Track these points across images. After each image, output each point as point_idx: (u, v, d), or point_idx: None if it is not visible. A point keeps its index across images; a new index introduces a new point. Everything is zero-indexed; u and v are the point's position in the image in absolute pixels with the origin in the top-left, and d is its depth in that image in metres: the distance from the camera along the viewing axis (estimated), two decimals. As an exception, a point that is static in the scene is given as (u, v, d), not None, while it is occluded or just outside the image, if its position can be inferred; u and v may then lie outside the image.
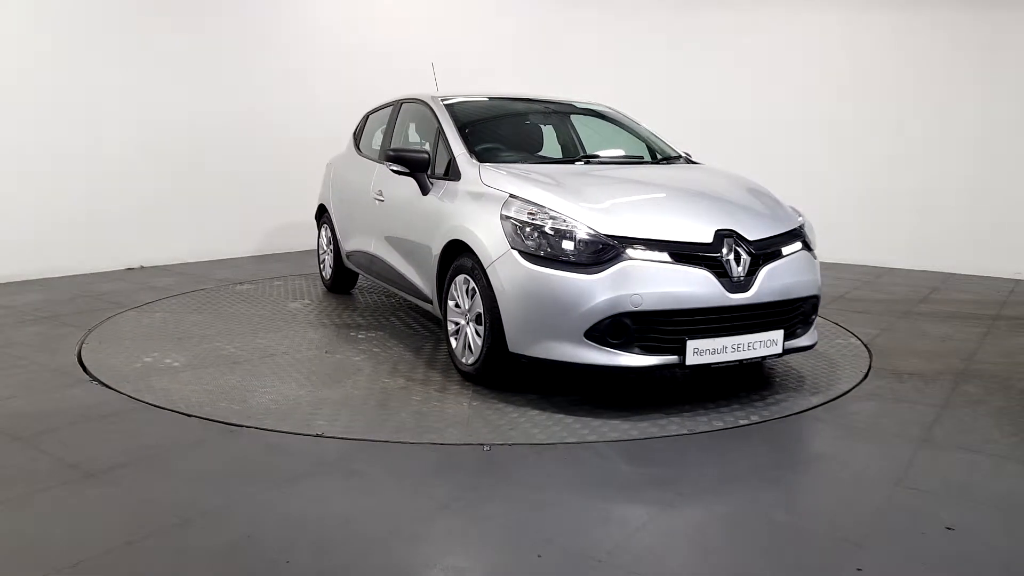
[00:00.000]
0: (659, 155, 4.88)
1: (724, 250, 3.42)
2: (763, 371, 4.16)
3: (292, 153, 8.06)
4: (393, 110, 5.40)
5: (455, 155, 4.19)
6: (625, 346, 3.28)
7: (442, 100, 4.72)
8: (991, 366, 4.39)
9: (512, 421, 3.35)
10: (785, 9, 8.61)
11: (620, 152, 4.92)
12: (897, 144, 8.14)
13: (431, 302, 4.27)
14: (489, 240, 3.56)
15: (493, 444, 3.09)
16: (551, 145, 5.05)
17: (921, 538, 2.41)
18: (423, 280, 4.33)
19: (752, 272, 3.46)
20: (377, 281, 5.26)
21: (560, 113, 5.21)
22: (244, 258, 7.82)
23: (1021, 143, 7.63)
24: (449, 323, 3.97)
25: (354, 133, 6.08)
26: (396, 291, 4.93)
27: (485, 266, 3.54)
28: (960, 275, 7.69)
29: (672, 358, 3.31)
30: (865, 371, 4.24)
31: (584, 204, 3.51)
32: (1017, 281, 7.43)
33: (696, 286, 3.31)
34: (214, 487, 2.69)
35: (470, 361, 3.77)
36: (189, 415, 3.37)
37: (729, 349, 3.39)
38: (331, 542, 2.32)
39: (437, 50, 7.30)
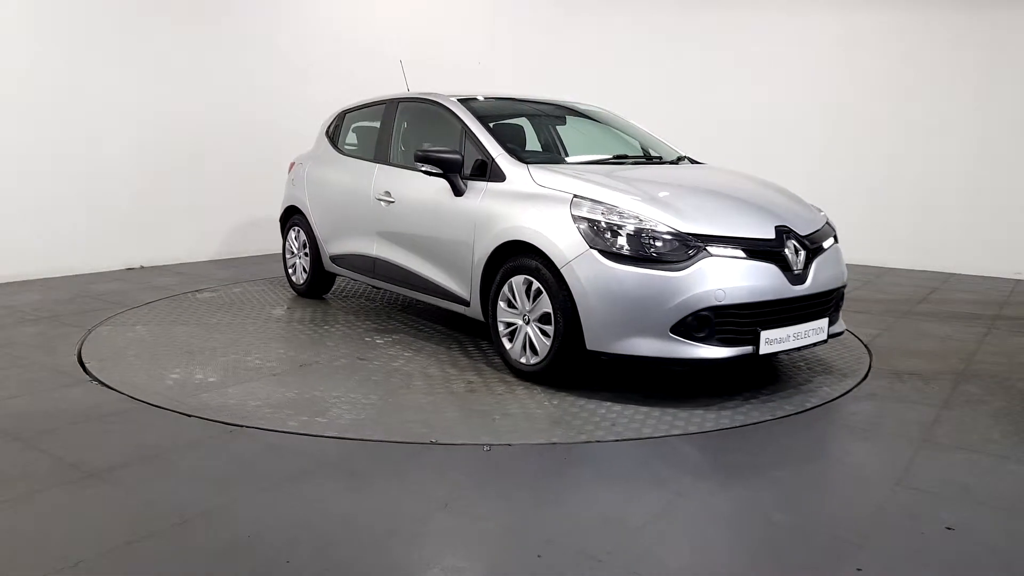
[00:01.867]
0: (664, 157, 4.95)
1: (786, 245, 3.64)
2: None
3: (293, 153, 8.05)
4: (387, 110, 5.24)
5: (493, 156, 4.18)
6: (707, 339, 3.43)
7: (460, 100, 4.67)
8: (991, 366, 4.39)
9: (603, 416, 3.43)
10: (784, 9, 8.61)
11: (644, 153, 4.99)
12: (897, 144, 8.14)
13: (464, 303, 4.27)
14: (562, 240, 3.60)
15: (600, 439, 3.14)
16: (569, 146, 5.05)
17: (921, 538, 2.41)
18: (455, 281, 4.31)
19: (806, 265, 3.70)
20: (378, 284, 5.14)
21: (564, 114, 5.22)
22: (245, 258, 7.83)
23: (1021, 143, 7.63)
24: (499, 324, 3.99)
25: (327, 132, 5.89)
26: (408, 293, 4.84)
27: (559, 266, 3.58)
28: (960, 275, 7.69)
29: (747, 349, 3.49)
30: (865, 371, 4.24)
31: (653, 203, 3.62)
32: (1017, 281, 7.43)
33: (767, 280, 3.51)
34: (214, 487, 2.68)
35: (533, 361, 3.81)
36: (189, 415, 3.37)
37: (791, 338, 3.63)
38: (331, 542, 2.32)
39: (438, 49, 7.30)
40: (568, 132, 5.21)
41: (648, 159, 4.88)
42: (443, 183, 4.33)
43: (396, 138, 5.15)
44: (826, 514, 2.59)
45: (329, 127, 5.92)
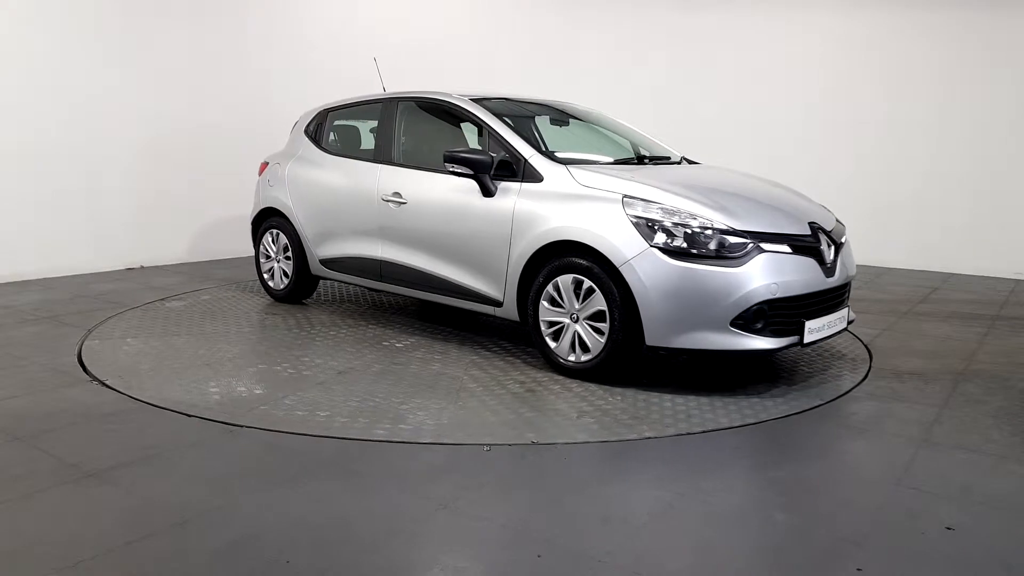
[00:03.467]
0: (668, 157, 5.00)
1: (821, 240, 3.89)
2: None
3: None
4: (385, 109, 5.12)
5: (526, 157, 4.20)
6: (762, 331, 3.61)
7: (474, 100, 4.66)
8: (991, 366, 4.39)
9: (679, 411, 3.50)
10: (784, 9, 8.61)
11: (636, 154, 5.02)
12: (897, 144, 8.15)
13: (495, 303, 4.28)
14: (619, 239, 3.68)
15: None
16: (580, 147, 5.04)
17: (921, 538, 2.41)
18: (484, 282, 4.31)
19: (834, 258, 3.96)
20: (381, 287, 5.02)
21: (567, 115, 5.21)
22: (247, 258, 7.83)
23: (1021, 143, 7.63)
24: (542, 323, 4.04)
25: (307, 131, 5.68)
26: (421, 295, 4.76)
27: (617, 264, 3.67)
28: (960, 275, 7.69)
29: (793, 339, 3.69)
30: (865, 371, 4.24)
31: (701, 202, 3.74)
32: (1017, 281, 7.43)
33: (809, 273, 3.76)
34: (214, 487, 2.68)
35: (584, 358, 3.89)
36: (189, 415, 3.37)
37: (825, 327, 3.87)
38: (331, 542, 2.32)
39: (430, 49, 7.31)
40: (554, 132, 5.13)
41: (653, 159, 4.91)
42: (467, 183, 4.33)
43: (401, 138, 5.04)
44: (826, 514, 2.58)
45: (309, 126, 5.70)
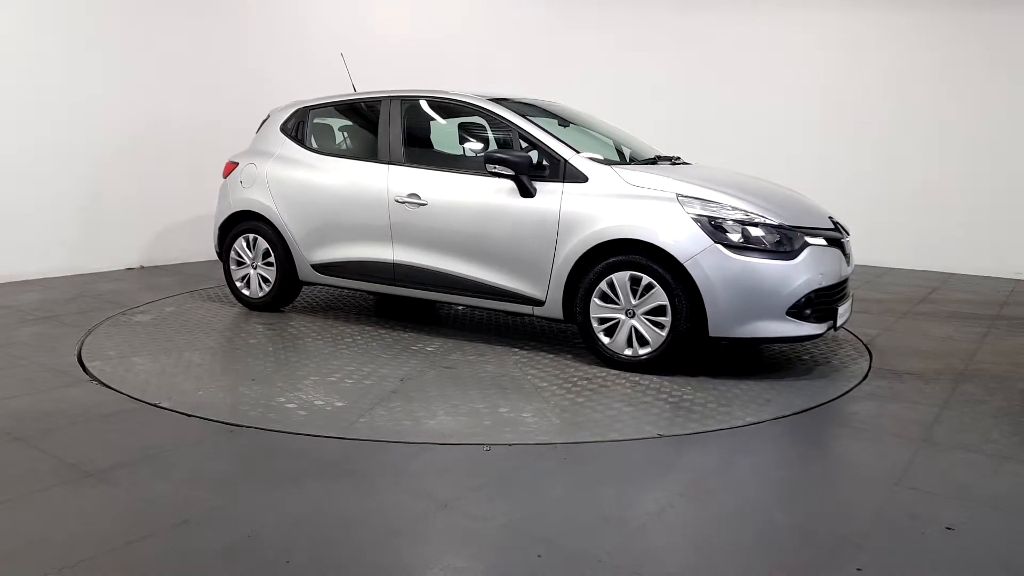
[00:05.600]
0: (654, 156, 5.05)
1: (842, 232, 4.27)
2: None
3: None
4: (385, 108, 4.96)
5: (565, 158, 4.28)
6: (809, 318, 3.92)
7: (496, 101, 4.66)
8: (991, 366, 4.39)
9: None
10: (784, 9, 8.61)
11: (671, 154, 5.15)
12: (897, 144, 8.14)
13: (536, 303, 4.33)
14: (682, 236, 3.88)
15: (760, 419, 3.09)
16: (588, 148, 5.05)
17: (921, 538, 2.41)
18: (524, 282, 4.33)
19: (849, 249, 4.33)
20: (395, 291, 4.88)
21: (565, 117, 5.21)
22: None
23: (1021, 143, 7.63)
24: (593, 320, 4.15)
25: (286, 129, 5.41)
26: (443, 298, 4.71)
27: (682, 260, 3.86)
28: (960, 275, 7.69)
29: (829, 323, 4.02)
30: (865, 371, 4.24)
31: (751, 201, 4.02)
32: (1017, 281, 7.43)
33: (839, 263, 4.13)
34: (214, 487, 2.69)
35: (642, 352, 4.05)
36: (189, 415, 3.37)
37: (844, 314, 4.18)
38: (331, 542, 2.32)
39: (428, 48, 7.31)
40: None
41: (666, 159, 4.97)
42: (498, 184, 4.37)
43: (410, 139, 4.92)
44: (826, 514, 2.58)
45: (287, 123, 5.43)
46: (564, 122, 5.15)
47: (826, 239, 4.07)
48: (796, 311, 3.87)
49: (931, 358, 4.54)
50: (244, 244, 5.45)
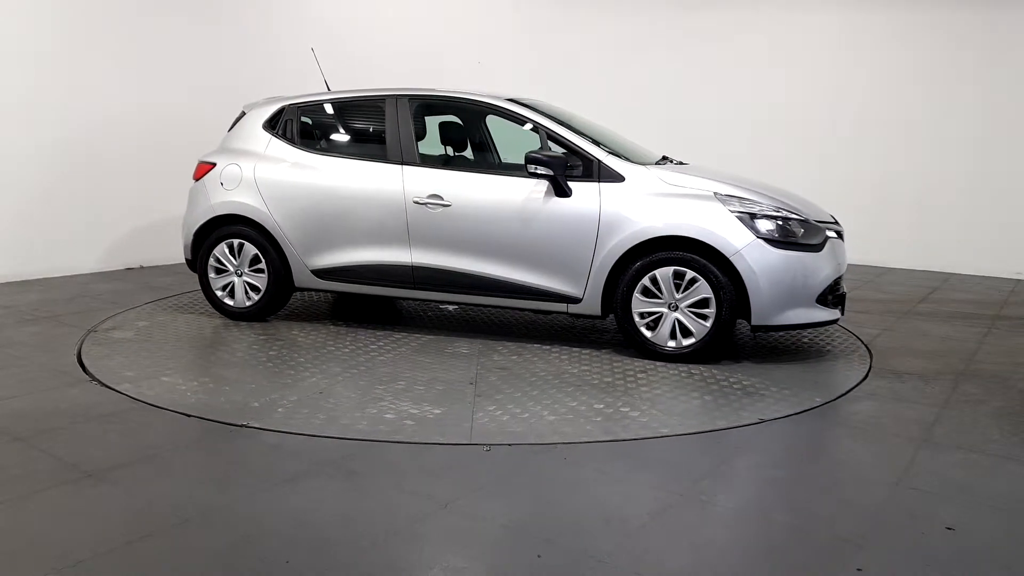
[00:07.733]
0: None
1: (842, 227, 4.60)
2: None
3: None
4: (392, 107, 4.82)
5: (599, 159, 4.39)
6: (831, 305, 4.31)
7: (521, 103, 4.67)
8: (991, 366, 4.39)
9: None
10: (784, 9, 8.61)
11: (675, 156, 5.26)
12: (897, 144, 8.14)
13: (573, 300, 4.40)
14: (728, 232, 4.10)
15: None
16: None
17: (921, 538, 2.41)
18: (560, 281, 4.39)
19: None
20: (413, 295, 4.77)
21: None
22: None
23: (1021, 143, 7.63)
24: (635, 315, 4.30)
25: (271, 127, 5.15)
26: (473, 298, 4.64)
27: (728, 255, 4.09)
28: (960, 275, 7.69)
29: (840, 309, 4.41)
30: (865, 371, 4.24)
31: (778, 199, 4.32)
32: (1017, 281, 7.43)
33: (845, 254, 4.51)
34: (214, 487, 2.69)
35: (686, 343, 4.24)
36: (189, 415, 3.37)
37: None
38: (331, 542, 2.32)
39: (426, 48, 7.29)
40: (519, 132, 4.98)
41: (669, 160, 5.05)
42: (529, 184, 4.40)
43: (413, 138, 4.80)
44: (826, 514, 2.58)
45: (273, 121, 5.17)
46: (561, 123, 5.14)
47: (836, 233, 4.44)
48: (822, 298, 4.23)
49: (931, 358, 4.54)
50: (227, 250, 5.09)
